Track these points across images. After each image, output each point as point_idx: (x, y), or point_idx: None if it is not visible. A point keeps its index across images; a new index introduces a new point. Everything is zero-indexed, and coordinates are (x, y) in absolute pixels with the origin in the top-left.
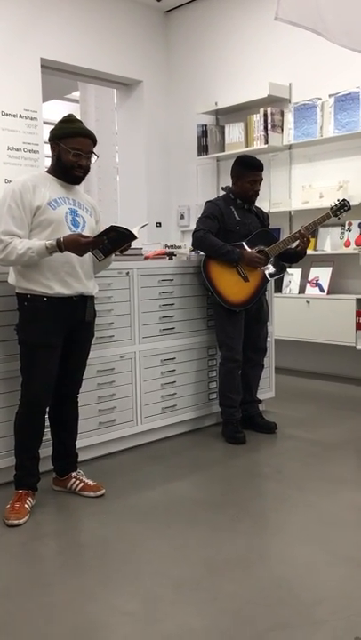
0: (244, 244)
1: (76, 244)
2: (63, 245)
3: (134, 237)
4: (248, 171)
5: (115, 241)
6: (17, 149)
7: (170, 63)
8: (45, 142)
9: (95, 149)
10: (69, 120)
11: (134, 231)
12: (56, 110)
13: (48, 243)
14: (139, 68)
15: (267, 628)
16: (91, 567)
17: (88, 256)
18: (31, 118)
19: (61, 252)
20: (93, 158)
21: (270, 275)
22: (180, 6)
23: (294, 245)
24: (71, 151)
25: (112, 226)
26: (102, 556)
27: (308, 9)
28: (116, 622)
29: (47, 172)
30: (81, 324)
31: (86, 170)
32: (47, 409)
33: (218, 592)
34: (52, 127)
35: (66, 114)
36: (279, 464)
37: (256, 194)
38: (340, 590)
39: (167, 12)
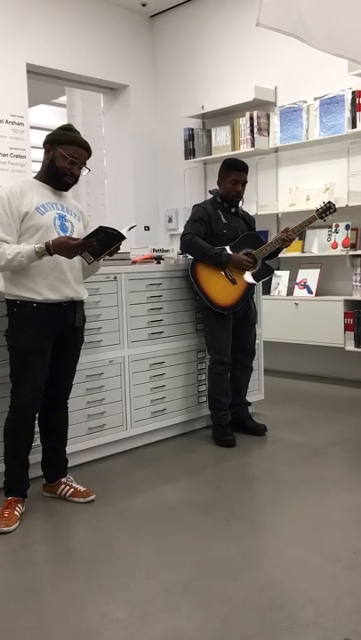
0: (226, 248)
1: (65, 247)
2: (52, 249)
3: (123, 238)
4: (230, 171)
5: (104, 243)
6: (3, 155)
7: (156, 67)
8: (33, 147)
9: (87, 162)
10: (70, 129)
11: (123, 232)
12: (43, 115)
13: (37, 246)
14: (125, 72)
15: (257, 630)
16: (81, 573)
17: (78, 260)
18: (17, 124)
19: (51, 255)
20: (85, 171)
21: (258, 277)
22: (165, 11)
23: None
24: (68, 157)
25: (100, 226)
26: (92, 561)
27: (289, 14)
28: (106, 628)
29: (35, 177)
30: (70, 329)
31: (76, 179)
32: (37, 415)
33: (208, 595)
34: (50, 132)
35: (53, 118)
36: (269, 466)
37: (238, 195)
38: (330, 591)
39: (153, 16)
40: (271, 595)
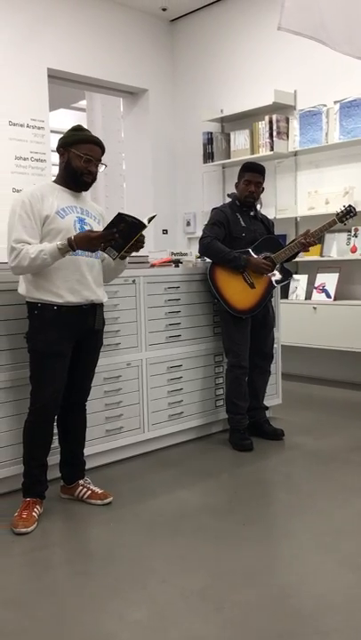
0: (250, 250)
1: (86, 240)
2: (75, 244)
3: (144, 226)
4: (244, 172)
5: (125, 234)
6: (24, 159)
7: (175, 71)
8: (53, 151)
9: (102, 158)
10: (80, 129)
11: (144, 221)
12: (63, 119)
13: (59, 243)
14: (145, 76)
15: (274, 637)
16: (98, 575)
17: (98, 263)
18: (38, 128)
19: (73, 250)
20: (101, 167)
21: (277, 281)
22: (185, 15)
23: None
24: (83, 156)
25: (119, 213)
26: (109, 564)
27: (311, 18)
28: (124, 631)
29: (54, 181)
30: (90, 332)
31: (94, 177)
32: (55, 417)
33: (225, 601)
34: (61, 136)
35: (73, 122)
36: (287, 471)
37: (251, 195)
38: (348, 599)
39: (173, 20)
40: (289, 601)
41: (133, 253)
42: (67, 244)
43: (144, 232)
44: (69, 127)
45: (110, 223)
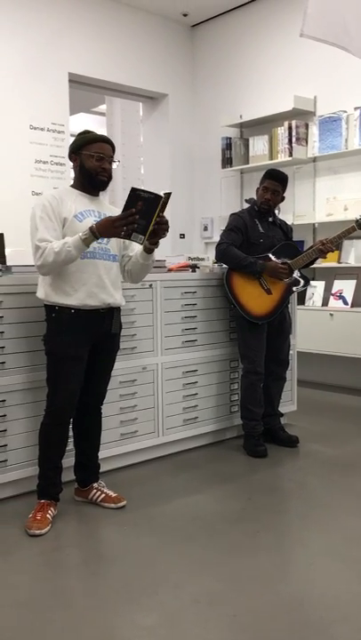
0: (270, 255)
1: (109, 224)
2: (97, 231)
3: (160, 197)
4: (265, 178)
5: (145, 213)
6: (44, 162)
7: (195, 77)
8: None
9: (119, 160)
10: (85, 132)
11: (160, 193)
12: (83, 123)
13: (82, 234)
14: (164, 81)
15: None
16: (111, 579)
17: (115, 266)
18: (58, 132)
19: (97, 238)
20: (114, 164)
21: (294, 287)
22: (206, 21)
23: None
24: (94, 155)
25: (133, 188)
26: (122, 568)
27: (334, 25)
28: (136, 636)
29: (71, 186)
30: (107, 336)
31: (110, 174)
32: (71, 419)
33: (237, 608)
34: (70, 144)
35: (92, 126)
36: (301, 479)
37: (266, 203)
38: None
39: (193, 26)
40: (302, 610)
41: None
42: (89, 232)
43: (166, 214)
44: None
45: (127, 202)
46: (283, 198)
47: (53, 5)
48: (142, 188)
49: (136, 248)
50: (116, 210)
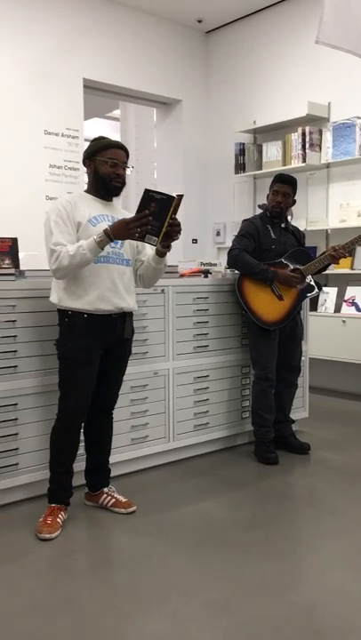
0: (283, 260)
1: (123, 226)
2: (112, 233)
3: (173, 198)
4: (274, 182)
5: (158, 214)
6: (58, 167)
7: (209, 82)
8: None
9: (133, 165)
10: (100, 138)
11: (172, 195)
12: (97, 128)
13: (96, 237)
14: (178, 87)
15: None
16: (120, 585)
17: (129, 270)
18: (73, 137)
19: (111, 240)
20: (128, 170)
21: (306, 294)
22: (220, 27)
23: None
24: (108, 161)
25: (146, 189)
26: (132, 573)
27: (349, 32)
28: None
29: (85, 191)
30: (119, 341)
31: (123, 180)
32: (82, 424)
33: (248, 616)
34: (84, 150)
35: (106, 131)
36: (312, 486)
37: (277, 206)
38: None
39: (208, 32)
40: (312, 619)
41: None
42: (104, 235)
43: (179, 219)
44: (110, 137)
45: (141, 204)
46: (294, 201)
47: (68, 12)
48: (155, 190)
49: (149, 252)
50: (129, 215)
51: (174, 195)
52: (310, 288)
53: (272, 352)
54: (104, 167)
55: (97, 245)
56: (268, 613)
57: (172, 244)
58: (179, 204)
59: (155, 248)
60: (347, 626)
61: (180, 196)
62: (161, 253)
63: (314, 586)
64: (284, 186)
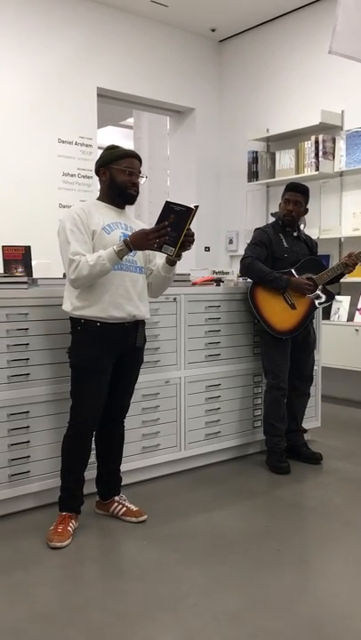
0: (292, 271)
1: (141, 236)
2: (131, 244)
3: (191, 210)
4: (285, 191)
5: (176, 225)
6: (71, 175)
7: (222, 91)
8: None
9: (146, 173)
10: (114, 147)
11: (191, 206)
12: (110, 136)
13: (116, 247)
14: (192, 95)
15: None
16: (130, 594)
17: (142, 278)
18: (86, 145)
19: (130, 250)
20: (142, 179)
21: (319, 303)
22: (234, 36)
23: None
24: (125, 170)
25: (167, 202)
26: (142, 583)
27: None
28: None
29: (97, 199)
30: (131, 349)
31: (138, 189)
32: (94, 432)
33: (258, 628)
34: (98, 158)
35: (120, 139)
36: (324, 496)
37: (289, 214)
38: None
39: (221, 41)
40: (323, 633)
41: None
42: (123, 244)
43: (192, 227)
44: (124, 145)
45: (161, 215)
46: (306, 210)
47: (82, 21)
48: (175, 202)
49: (158, 262)
50: (141, 224)
51: (192, 206)
52: (323, 297)
53: (284, 361)
54: (121, 176)
55: (116, 255)
56: (279, 625)
57: (184, 252)
58: (194, 215)
59: (165, 257)
60: (357, 639)
61: (197, 207)
62: (172, 262)
63: (325, 598)
64: (296, 194)
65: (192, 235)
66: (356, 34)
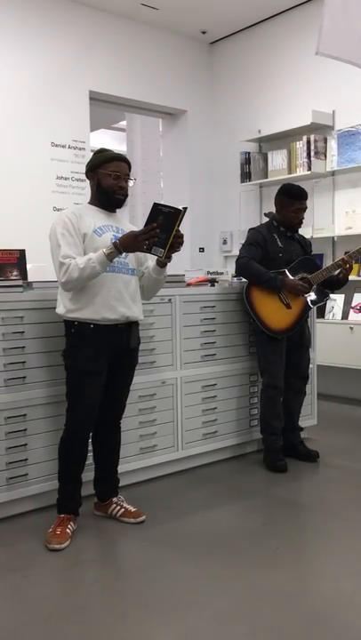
0: (286, 271)
1: (131, 239)
2: (121, 246)
3: (179, 211)
4: (293, 200)
5: (165, 227)
6: (65, 178)
7: (214, 92)
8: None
9: (140, 176)
10: (102, 150)
11: (179, 207)
12: (103, 139)
13: (105, 249)
14: (184, 98)
15: None
16: (129, 595)
17: (134, 280)
18: (79, 148)
19: (120, 253)
20: (131, 182)
21: (313, 302)
22: (224, 38)
23: (336, 272)
24: (111, 174)
25: (155, 203)
26: (141, 583)
27: (349, 43)
28: None
29: (89, 203)
30: (125, 350)
31: (126, 193)
32: (90, 434)
33: (257, 627)
34: (87, 162)
35: (112, 142)
36: (321, 494)
37: (300, 222)
38: None
39: (212, 43)
40: (322, 630)
41: (169, 271)
42: (112, 247)
43: (181, 229)
44: (116, 148)
45: (149, 217)
46: None
47: (73, 25)
48: (163, 203)
49: (150, 264)
50: (131, 226)
51: (180, 207)
52: (318, 296)
53: (280, 360)
54: (107, 180)
55: (106, 258)
56: (278, 623)
57: (178, 253)
58: (183, 217)
59: (155, 259)
60: (356, 636)
61: (185, 209)
62: (162, 264)
63: (324, 596)
64: (305, 202)
65: (181, 236)
66: (341, 35)
